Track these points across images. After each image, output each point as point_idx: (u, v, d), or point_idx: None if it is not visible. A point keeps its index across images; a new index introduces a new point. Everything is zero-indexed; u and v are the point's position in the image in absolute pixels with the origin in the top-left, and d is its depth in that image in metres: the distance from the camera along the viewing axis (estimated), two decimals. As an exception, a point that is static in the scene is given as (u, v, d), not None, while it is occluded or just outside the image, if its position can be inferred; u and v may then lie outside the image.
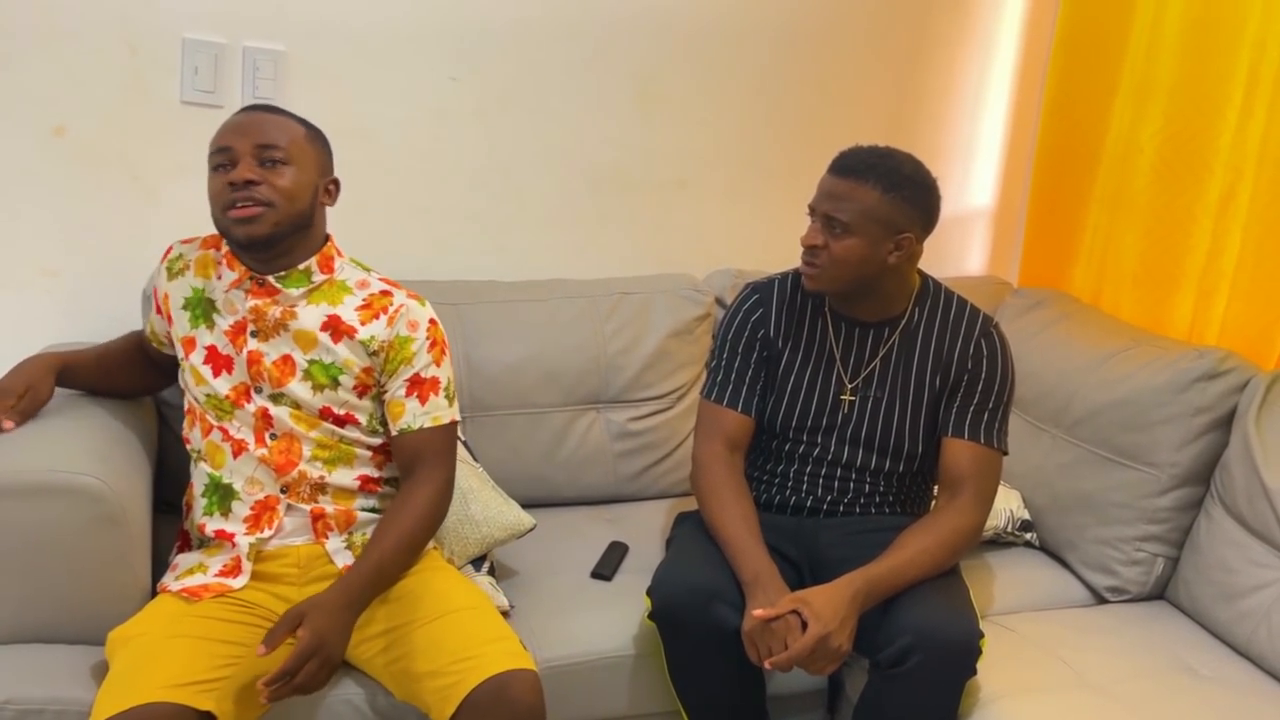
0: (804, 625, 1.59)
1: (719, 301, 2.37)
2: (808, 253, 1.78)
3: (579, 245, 2.42)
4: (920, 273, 1.89)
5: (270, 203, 1.57)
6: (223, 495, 1.65)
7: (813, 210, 1.78)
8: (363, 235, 2.27)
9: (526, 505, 1.95)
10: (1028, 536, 2.19)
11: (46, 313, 2.09)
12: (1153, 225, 2.29)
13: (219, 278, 1.68)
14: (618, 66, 2.37)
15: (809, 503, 1.89)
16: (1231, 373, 1.99)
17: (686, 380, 2.32)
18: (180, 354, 1.69)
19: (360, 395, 1.68)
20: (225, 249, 1.68)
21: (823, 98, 2.55)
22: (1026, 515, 2.19)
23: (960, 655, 1.61)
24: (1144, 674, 1.77)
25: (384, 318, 1.67)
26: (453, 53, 2.25)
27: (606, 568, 1.96)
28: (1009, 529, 2.17)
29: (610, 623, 1.81)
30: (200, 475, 1.68)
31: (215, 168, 1.60)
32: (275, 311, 1.65)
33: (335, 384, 1.66)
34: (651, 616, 1.71)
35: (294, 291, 1.66)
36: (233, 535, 1.63)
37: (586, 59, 2.34)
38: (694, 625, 1.66)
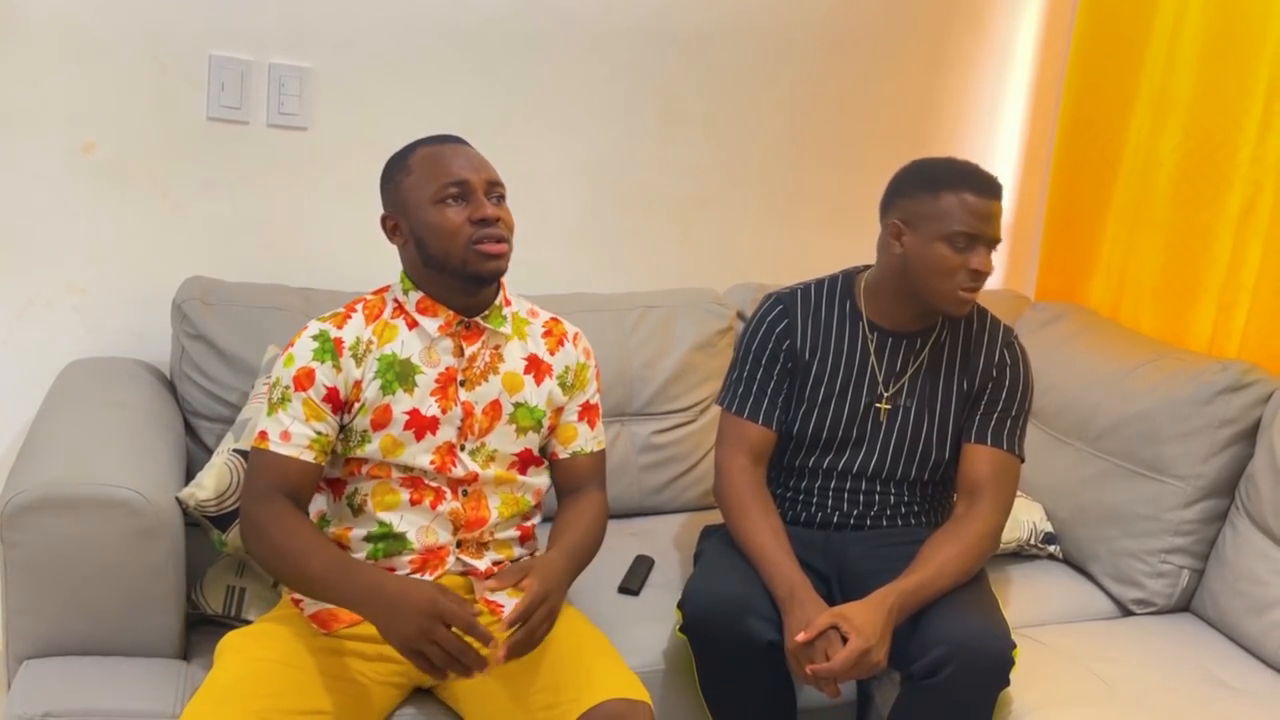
0: (843, 639, 1.59)
1: (740, 315, 2.38)
2: (972, 280, 1.74)
3: (602, 260, 2.43)
4: None
5: (508, 239, 1.59)
6: (392, 543, 1.60)
7: (978, 237, 1.73)
8: (389, 253, 2.29)
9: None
10: (1051, 549, 2.19)
11: (74, 329, 2.10)
12: (1172, 238, 2.30)
13: (411, 327, 1.60)
14: (640, 84, 2.39)
15: (835, 518, 1.89)
16: (1255, 385, 2.00)
17: (710, 393, 2.33)
18: (365, 427, 1.57)
19: (550, 433, 1.71)
20: (394, 302, 1.62)
21: (841, 113, 2.57)
22: (1049, 528, 2.20)
23: (994, 665, 1.61)
24: (1175, 686, 1.77)
25: (567, 344, 1.72)
26: (478, 69, 2.26)
27: (633, 582, 1.96)
28: (1032, 541, 2.17)
29: (640, 637, 1.81)
30: (365, 520, 1.60)
31: (445, 200, 1.55)
32: (485, 355, 1.63)
33: (539, 426, 1.67)
34: (683, 630, 1.71)
35: (501, 329, 1.65)
36: (395, 571, 1.58)
37: (610, 77, 2.36)
38: (726, 638, 1.66)
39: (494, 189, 1.60)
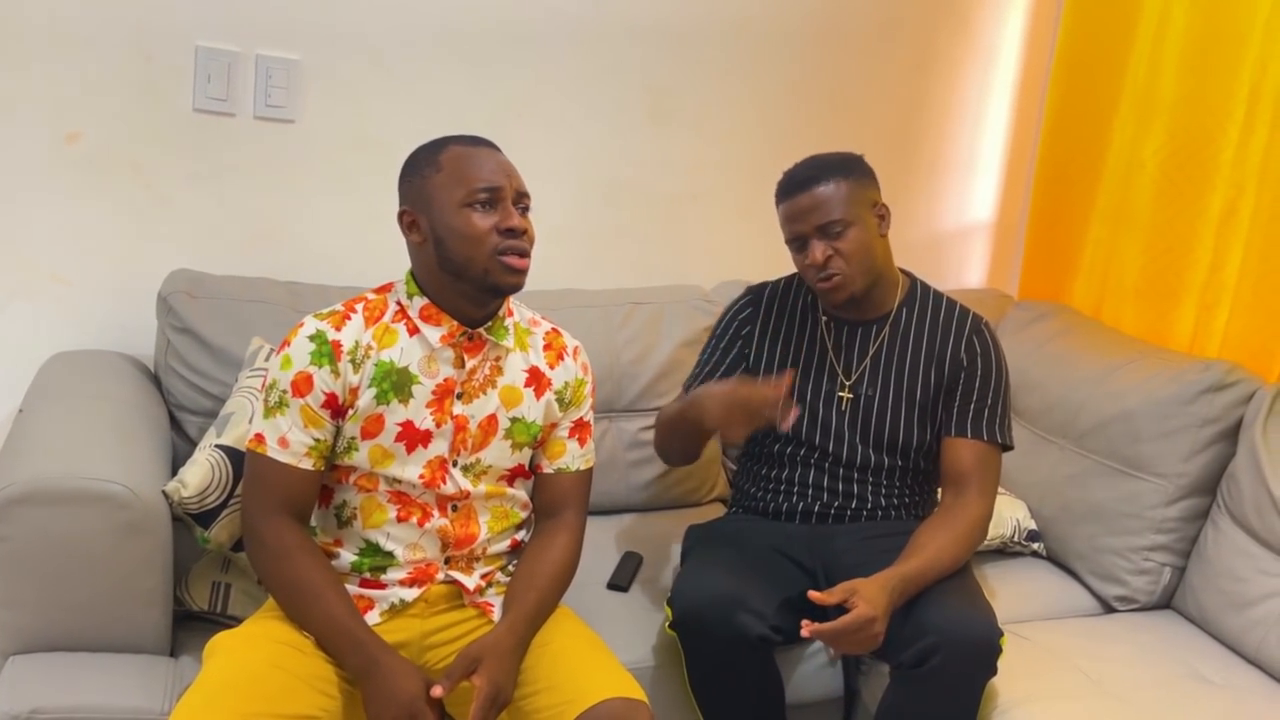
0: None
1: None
2: (820, 270, 1.81)
3: (590, 256, 2.43)
4: (907, 273, 1.95)
5: (529, 254, 1.53)
6: (380, 559, 1.57)
7: (800, 237, 1.82)
8: (376, 248, 2.28)
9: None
10: (1035, 546, 2.21)
11: (57, 320, 2.08)
12: (1155, 240, 2.33)
13: (413, 334, 1.55)
14: (631, 80, 2.39)
15: (816, 508, 1.90)
16: (1238, 384, 2.03)
17: (697, 390, 2.33)
18: (354, 434, 1.53)
19: (539, 447, 1.67)
20: (397, 305, 1.57)
21: (829, 112, 2.57)
22: (1033, 525, 2.22)
23: (982, 653, 1.62)
24: (1159, 682, 1.79)
25: (567, 358, 1.67)
26: (467, 63, 2.26)
27: (622, 578, 1.97)
28: (1016, 539, 2.19)
29: (629, 633, 1.81)
30: (353, 536, 1.57)
31: (474, 204, 1.50)
32: (485, 368, 1.59)
33: (534, 441, 1.63)
34: (673, 626, 1.71)
35: (503, 343, 1.60)
36: (384, 586, 1.57)
37: (600, 72, 2.36)
38: (716, 633, 1.66)
39: (522, 199, 1.55)
